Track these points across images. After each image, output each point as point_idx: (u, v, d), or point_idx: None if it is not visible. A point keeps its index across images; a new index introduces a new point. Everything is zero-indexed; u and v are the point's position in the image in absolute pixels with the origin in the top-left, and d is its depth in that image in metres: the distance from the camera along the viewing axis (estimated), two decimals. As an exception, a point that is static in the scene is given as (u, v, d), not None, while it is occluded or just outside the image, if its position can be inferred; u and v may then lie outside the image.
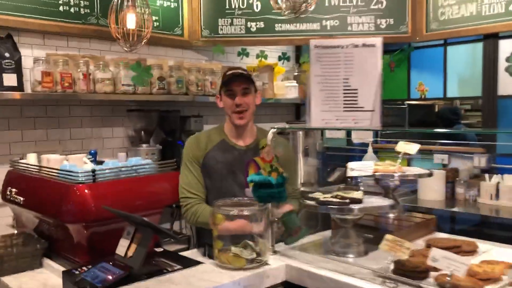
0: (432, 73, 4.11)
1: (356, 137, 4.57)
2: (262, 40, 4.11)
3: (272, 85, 4.30)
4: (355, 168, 1.93)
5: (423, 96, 4.14)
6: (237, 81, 2.34)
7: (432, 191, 3.58)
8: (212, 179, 2.37)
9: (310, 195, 1.92)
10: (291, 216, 1.82)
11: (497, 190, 3.43)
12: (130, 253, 1.91)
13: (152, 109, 3.70)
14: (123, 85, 3.37)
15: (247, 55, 4.17)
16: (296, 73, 4.72)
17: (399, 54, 4.14)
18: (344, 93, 1.69)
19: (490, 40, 3.74)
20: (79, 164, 2.44)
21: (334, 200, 1.76)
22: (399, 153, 2.11)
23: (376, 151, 4.17)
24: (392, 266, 1.61)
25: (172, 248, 2.51)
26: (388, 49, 4.27)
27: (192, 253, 2.41)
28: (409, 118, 4.46)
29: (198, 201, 2.34)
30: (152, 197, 2.34)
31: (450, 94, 4.01)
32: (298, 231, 1.80)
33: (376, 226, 2.02)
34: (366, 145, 4.26)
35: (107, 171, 2.25)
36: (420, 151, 4.21)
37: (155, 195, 2.35)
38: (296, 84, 4.57)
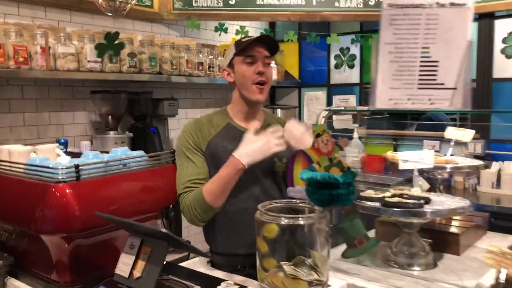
0: (422, 54, 3.86)
1: (338, 122, 4.29)
2: (242, 14, 3.69)
3: (251, 65, 3.88)
4: (409, 159, 1.59)
5: (412, 79, 3.89)
6: (261, 47, 1.92)
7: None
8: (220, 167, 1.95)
9: (362, 194, 1.56)
10: (354, 222, 1.45)
11: (498, 178, 3.25)
12: (137, 273, 1.47)
13: (121, 90, 3.20)
14: (89, 61, 2.85)
15: (225, 30, 3.73)
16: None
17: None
18: (421, 66, 1.33)
19: (486, 19, 3.53)
20: (51, 157, 1.95)
21: (409, 201, 1.41)
22: (449, 140, 1.79)
23: (359, 138, 3.89)
24: (487, 284, 1.30)
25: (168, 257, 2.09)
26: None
27: (194, 263, 2.00)
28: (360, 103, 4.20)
29: (190, 191, 1.85)
30: (149, 197, 1.90)
31: (442, 76, 3.78)
32: (364, 242, 1.43)
33: (428, 227, 1.70)
34: (349, 131, 3.99)
35: (92, 166, 1.78)
36: (409, 137, 4.01)
37: (152, 194, 1.91)
38: (275, 65, 4.20)
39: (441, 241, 1.63)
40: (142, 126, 3.31)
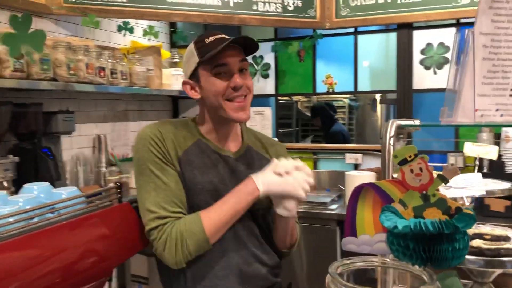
0: (341, 64, 3.69)
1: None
2: (152, 12, 3.14)
3: (160, 73, 3.35)
4: (453, 185, 1.28)
5: (331, 90, 3.70)
6: (233, 50, 1.46)
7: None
8: (190, 202, 1.44)
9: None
10: (449, 281, 1.05)
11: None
12: None
13: (2, 101, 2.44)
14: (-41, 62, 2.09)
15: (130, 30, 3.14)
16: (176, 59, 3.81)
17: (308, 41, 3.60)
18: (519, 66, 1.00)
19: (405, 30, 3.48)
20: None
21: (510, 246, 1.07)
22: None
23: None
24: None
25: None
26: (298, 35, 3.71)
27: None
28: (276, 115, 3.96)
29: (174, 221, 1.36)
30: (96, 257, 1.31)
31: (362, 87, 3.64)
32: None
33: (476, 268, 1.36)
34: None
35: (10, 219, 1.16)
36: (329, 151, 3.79)
37: (99, 253, 1.32)
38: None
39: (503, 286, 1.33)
40: (31, 148, 2.58)
